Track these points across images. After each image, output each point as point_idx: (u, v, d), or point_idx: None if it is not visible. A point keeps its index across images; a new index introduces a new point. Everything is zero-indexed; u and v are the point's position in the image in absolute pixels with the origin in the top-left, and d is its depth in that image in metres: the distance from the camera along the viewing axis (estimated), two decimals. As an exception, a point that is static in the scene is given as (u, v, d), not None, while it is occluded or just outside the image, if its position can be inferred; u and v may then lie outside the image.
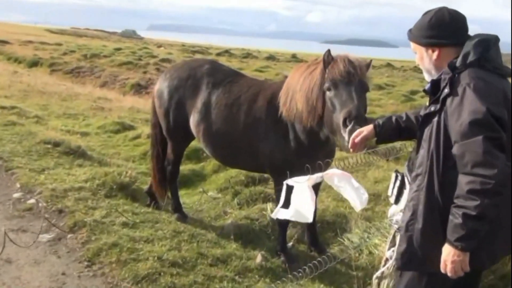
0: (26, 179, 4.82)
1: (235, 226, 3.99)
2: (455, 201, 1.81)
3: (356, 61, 2.96)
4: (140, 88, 16.28)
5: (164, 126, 4.16)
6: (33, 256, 3.48)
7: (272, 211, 4.07)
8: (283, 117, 3.37)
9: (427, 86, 2.05)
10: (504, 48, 2.24)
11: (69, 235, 3.77)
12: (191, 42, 62.41)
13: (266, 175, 4.71)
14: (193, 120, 3.88)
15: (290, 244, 3.83)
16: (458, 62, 1.91)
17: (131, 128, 7.84)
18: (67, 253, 3.55)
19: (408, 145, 3.14)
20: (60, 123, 7.96)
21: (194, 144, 5.08)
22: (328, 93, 2.97)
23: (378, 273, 2.48)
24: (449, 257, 1.84)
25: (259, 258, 3.54)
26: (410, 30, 2.13)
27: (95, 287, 3.14)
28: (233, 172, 5.11)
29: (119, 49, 30.96)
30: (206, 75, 3.89)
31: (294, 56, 40.12)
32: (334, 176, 2.47)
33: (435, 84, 1.99)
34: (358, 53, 3.38)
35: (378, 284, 2.45)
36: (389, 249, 2.40)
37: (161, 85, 4.15)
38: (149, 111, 4.99)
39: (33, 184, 4.71)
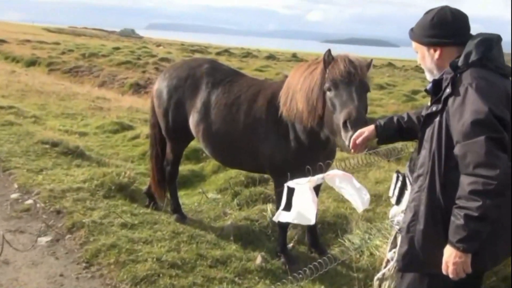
0: (24, 180, 4.80)
1: (234, 227, 3.97)
2: (457, 202, 1.79)
3: (357, 61, 2.95)
4: (139, 88, 16.20)
5: (163, 126, 4.14)
6: (31, 257, 3.46)
7: (272, 212, 4.06)
8: (283, 117, 3.36)
9: (429, 86, 2.03)
10: (505, 47, 2.23)
11: (67, 236, 3.75)
12: (190, 41, 62.34)
13: (266, 176, 4.69)
14: (193, 120, 3.86)
15: (290, 245, 3.81)
16: (460, 62, 1.89)
17: (130, 128, 7.80)
18: (65, 254, 3.53)
19: (410, 146, 3.12)
20: (58, 123, 7.93)
21: (193, 144, 5.06)
22: (328, 93, 2.95)
23: (379, 275, 2.46)
24: (450, 258, 1.83)
25: (259, 260, 3.52)
26: (411, 29, 2.12)
27: (93, 289, 3.12)
28: (233, 172, 5.09)
29: (117, 48, 30.83)
30: (206, 74, 3.87)
31: (294, 55, 40.00)
32: (335, 177, 2.45)
33: (437, 84, 1.97)
34: (359, 52, 3.36)
35: (379, 286, 2.44)
36: (390, 250, 2.39)
37: (160, 85, 4.13)
38: (148, 111, 4.97)
39: (31, 185, 4.70)
